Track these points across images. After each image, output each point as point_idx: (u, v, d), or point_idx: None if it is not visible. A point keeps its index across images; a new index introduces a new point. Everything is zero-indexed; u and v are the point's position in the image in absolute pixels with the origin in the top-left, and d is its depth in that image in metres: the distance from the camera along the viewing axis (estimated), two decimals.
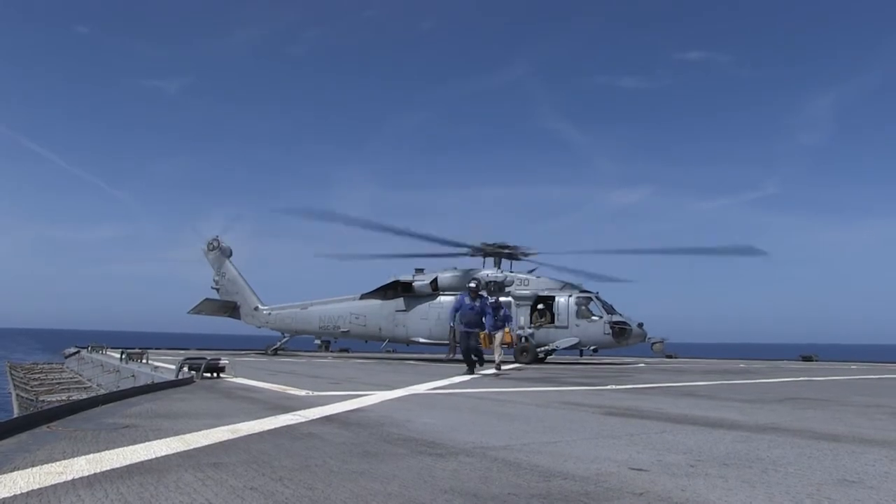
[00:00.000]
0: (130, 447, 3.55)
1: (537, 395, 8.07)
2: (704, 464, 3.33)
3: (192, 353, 21.70)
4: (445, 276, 22.85)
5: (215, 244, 28.39)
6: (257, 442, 3.86)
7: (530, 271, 23.03)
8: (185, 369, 9.38)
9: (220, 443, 3.78)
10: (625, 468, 3.19)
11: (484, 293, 16.21)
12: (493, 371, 13.42)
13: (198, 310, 27.28)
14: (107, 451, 3.42)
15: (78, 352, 24.06)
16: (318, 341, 26.84)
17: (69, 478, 2.80)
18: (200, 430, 4.21)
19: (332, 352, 27.89)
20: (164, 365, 12.16)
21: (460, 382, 9.97)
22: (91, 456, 3.28)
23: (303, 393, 7.41)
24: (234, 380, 9.36)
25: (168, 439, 3.84)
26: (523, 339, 21.44)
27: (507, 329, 14.79)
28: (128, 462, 3.15)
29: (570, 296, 21.76)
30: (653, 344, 21.91)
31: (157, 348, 25.82)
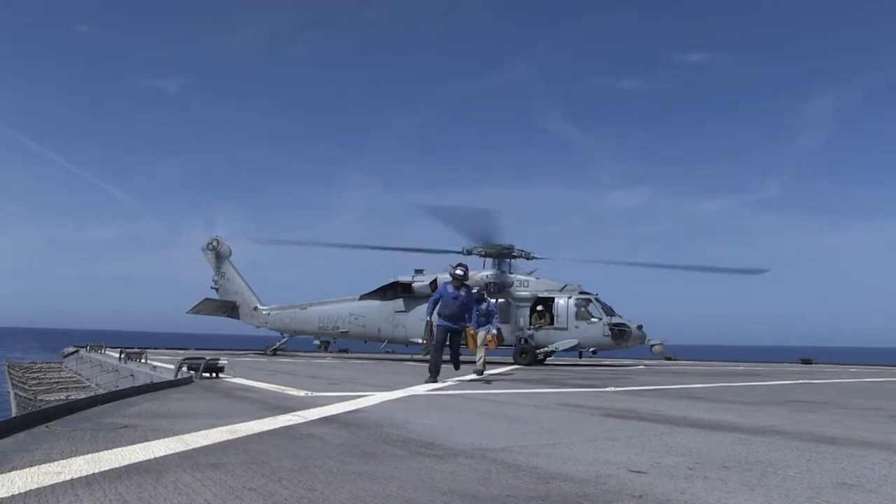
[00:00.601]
0: (129, 447, 3.54)
1: (536, 397, 8.07)
2: (703, 466, 3.33)
3: (191, 352, 21.71)
4: (445, 277, 22.84)
5: (215, 244, 28.40)
6: (256, 442, 3.86)
7: (530, 273, 23.05)
8: (184, 369, 9.36)
9: (219, 443, 3.78)
10: (624, 470, 3.19)
11: (471, 285, 12.62)
12: (472, 377, 11.01)
13: (197, 309, 27.33)
14: (105, 451, 3.41)
15: (76, 351, 24.06)
16: (317, 342, 26.88)
17: (67, 478, 2.79)
18: (199, 430, 4.21)
19: (331, 352, 27.91)
20: (163, 365, 12.17)
21: (459, 384, 9.96)
22: (89, 456, 3.28)
23: (302, 393, 7.40)
24: (233, 380, 9.35)
25: (167, 439, 3.83)
26: (523, 341, 21.46)
27: (492, 331, 11.94)
28: (126, 462, 3.14)
29: (569, 297, 21.78)
30: (652, 346, 21.95)
31: (155, 348, 25.84)
